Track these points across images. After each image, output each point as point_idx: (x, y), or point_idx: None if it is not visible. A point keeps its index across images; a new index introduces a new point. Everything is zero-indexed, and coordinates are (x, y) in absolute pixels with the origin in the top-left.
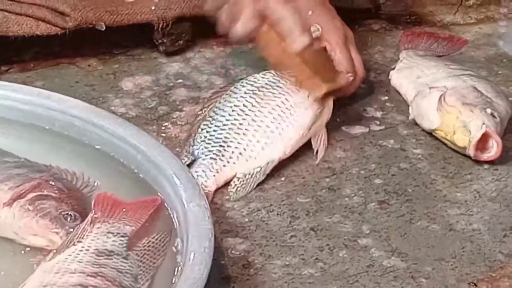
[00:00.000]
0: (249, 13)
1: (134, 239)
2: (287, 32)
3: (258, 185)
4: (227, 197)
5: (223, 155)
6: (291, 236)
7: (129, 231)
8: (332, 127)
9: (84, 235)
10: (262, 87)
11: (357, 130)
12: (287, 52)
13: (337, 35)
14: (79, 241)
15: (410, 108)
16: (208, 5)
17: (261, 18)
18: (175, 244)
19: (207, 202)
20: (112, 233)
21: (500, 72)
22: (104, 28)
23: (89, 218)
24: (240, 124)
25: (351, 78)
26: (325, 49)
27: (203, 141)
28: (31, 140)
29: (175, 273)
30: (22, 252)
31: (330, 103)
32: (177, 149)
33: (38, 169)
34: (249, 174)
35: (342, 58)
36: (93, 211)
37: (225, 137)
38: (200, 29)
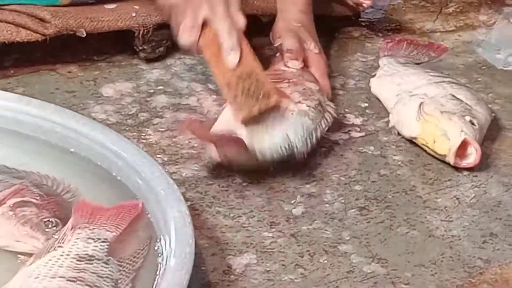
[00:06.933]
0: (189, 22)
1: (115, 244)
2: (223, 45)
3: (239, 191)
4: None
5: None
6: (272, 242)
7: (110, 237)
8: None
9: (65, 240)
10: None
11: (338, 136)
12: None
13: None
14: (59, 246)
15: (390, 115)
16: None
17: (204, 27)
18: (156, 249)
19: (187, 208)
20: (93, 239)
21: (479, 79)
22: (85, 34)
23: (69, 223)
24: None
25: None
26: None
27: None
28: (11, 146)
29: (156, 279)
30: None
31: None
32: (158, 155)
33: (18, 175)
34: None
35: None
36: (73, 217)
37: None
38: None
